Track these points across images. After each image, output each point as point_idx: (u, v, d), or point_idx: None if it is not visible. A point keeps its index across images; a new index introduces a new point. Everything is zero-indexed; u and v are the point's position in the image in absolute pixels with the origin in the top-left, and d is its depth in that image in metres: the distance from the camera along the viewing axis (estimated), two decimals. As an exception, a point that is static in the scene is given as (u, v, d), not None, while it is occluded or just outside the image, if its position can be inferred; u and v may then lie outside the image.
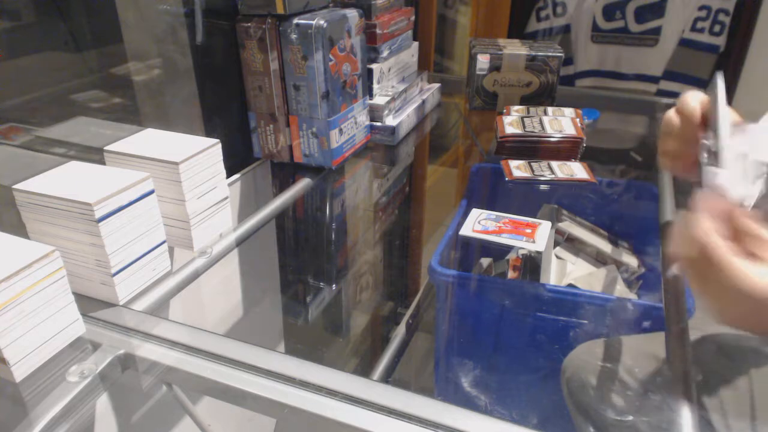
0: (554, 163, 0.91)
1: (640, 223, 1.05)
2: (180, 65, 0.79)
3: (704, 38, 2.05)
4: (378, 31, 0.99)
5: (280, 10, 0.79)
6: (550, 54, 1.12)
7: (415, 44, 1.16)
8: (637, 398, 0.65)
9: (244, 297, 0.94)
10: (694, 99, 0.50)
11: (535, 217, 0.81)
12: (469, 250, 1.12)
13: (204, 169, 0.62)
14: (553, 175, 0.88)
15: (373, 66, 0.99)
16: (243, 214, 0.85)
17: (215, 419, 0.87)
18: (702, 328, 0.67)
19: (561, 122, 0.96)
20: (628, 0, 2.09)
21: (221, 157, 0.65)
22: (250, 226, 0.74)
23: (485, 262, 1.08)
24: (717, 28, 2.03)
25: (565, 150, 0.94)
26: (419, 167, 1.21)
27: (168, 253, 0.60)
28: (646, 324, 0.74)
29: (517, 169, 0.89)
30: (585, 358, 0.74)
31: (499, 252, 1.07)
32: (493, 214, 0.81)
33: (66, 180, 0.54)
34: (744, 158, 0.42)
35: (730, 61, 2.10)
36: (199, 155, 0.61)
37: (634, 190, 1.05)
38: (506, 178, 0.88)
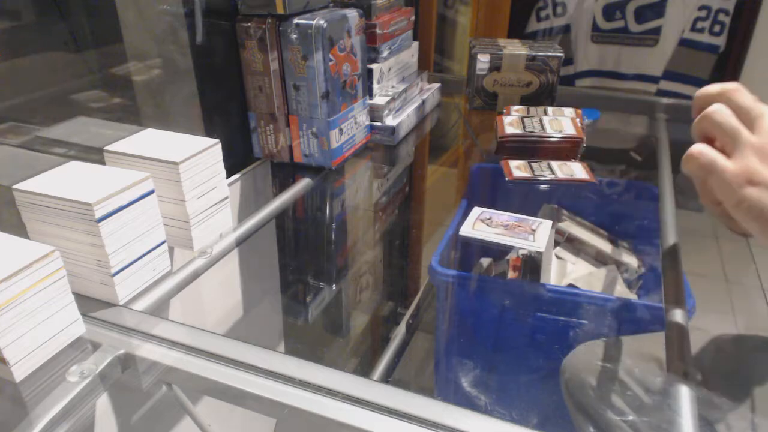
0: (554, 163, 0.91)
1: (640, 223, 1.05)
2: (180, 65, 0.80)
3: (704, 38, 2.05)
4: (378, 31, 0.99)
5: (280, 10, 0.79)
6: (550, 54, 1.12)
7: (415, 44, 1.16)
8: (637, 398, 0.65)
9: (244, 297, 0.94)
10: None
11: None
12: (469, 250, 1.12)
13: (204, 169, 0.62)
14: (553, 175, 0.88)
15: (373, 66, 0.99)
16: (243, 214, 0.85)
17: (215, 419, 0.87)
18: (702, 328, 0.67)
19: (561, 122, 0.96)
20: (628, 0, 2.09)
21: (221, 157, 0.65)
22: (250, 226, 0.74)
23: (485, 262, 1.08)
24: (717, 28, 2.03)
25: (565, 150, 0.94)
26: (419, 167, 1.21)
27: (168, 253, 0.60)
28: (646, 324, 0.74)
29: (517, 169, 0.89)
30: (585, 358, 0.74)
31: (499, 252, 1.07)
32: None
33: (66, 180, 0.54)
34: None
35: (730, 61, 2.10)
36: (199, 155, 0.61)
37: (634, 190, 1.05)
38: (506, 178, 0.88)
